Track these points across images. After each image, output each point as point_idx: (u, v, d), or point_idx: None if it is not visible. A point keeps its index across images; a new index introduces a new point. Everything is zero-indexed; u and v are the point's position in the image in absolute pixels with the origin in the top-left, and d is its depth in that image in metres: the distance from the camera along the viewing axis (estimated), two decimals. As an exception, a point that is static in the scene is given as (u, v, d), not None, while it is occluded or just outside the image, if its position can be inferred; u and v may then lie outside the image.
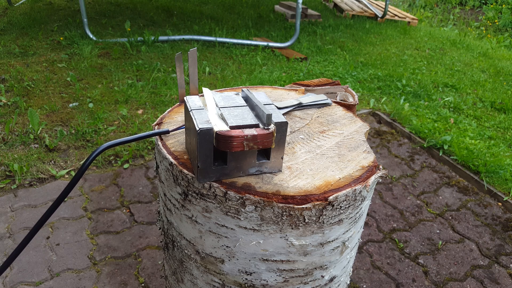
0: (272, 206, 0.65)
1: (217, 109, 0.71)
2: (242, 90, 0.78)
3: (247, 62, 4.06)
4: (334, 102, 1.03)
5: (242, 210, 0.67)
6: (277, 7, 6.27)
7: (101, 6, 5.48)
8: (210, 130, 0.63)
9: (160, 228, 0.93)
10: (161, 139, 0.80)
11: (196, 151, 0.65)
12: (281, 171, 0.73)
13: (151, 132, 0.79)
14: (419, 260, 1.89)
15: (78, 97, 3.06)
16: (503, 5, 7.79)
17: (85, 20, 4.15)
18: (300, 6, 4.41)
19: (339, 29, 5.52)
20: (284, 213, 0.66)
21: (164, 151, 0.76)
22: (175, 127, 0.84)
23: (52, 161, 2.35)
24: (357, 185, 0.70)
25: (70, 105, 2.94)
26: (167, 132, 0.80)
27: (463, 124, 3.13)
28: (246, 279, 0.76)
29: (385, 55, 4.65)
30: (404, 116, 3.15)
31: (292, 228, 0.68)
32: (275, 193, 0.66)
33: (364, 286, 1.75)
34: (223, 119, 0.67)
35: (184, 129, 0.84)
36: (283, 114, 0.93)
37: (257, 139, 0.63)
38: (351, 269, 0.97)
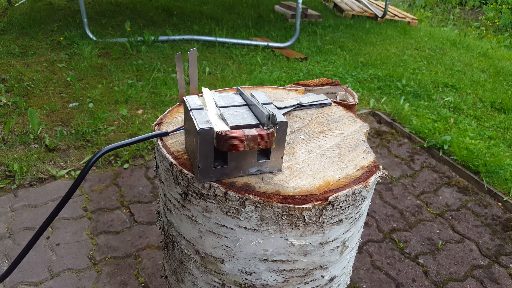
0: (272, 206, 0.65)
1: (216, 109, 0.71)
2: (237, 89, 0.78)
3: (247, 62, 4.06)
4: (334, 102, 1.03)
5: (242, 210, 0.67)
6: (277, 7, 6.27)
7: (101, 6, 5.48)
8: (210, 130, 0.63)
9: (160, 228, 0.93)
10: (161, 139, 0.80)
11: (196, 151, 0.65)
12: (281, 171, 0.73)
13: (150, 134, 0.79)
14: (419, 260, 1.89)
15: (78, 97, 3.06)
16: (503, 5, 7.78)
17: (85, 20, 4.15)
18: (300, 6, 4.41)
19: (339, 29, 5.52)
20: (284, 213, 0.66)
21: (164, 151, 0.76)
22: (175, 127, 0.84)
23: (52, 161, 2.35)
24: (357, 185, 0.70)
25: (70, 105, 2.94)
26: (166, 134, 0.80)
27: (463, 124, 3.13)
28: (246, 279, 0.76)
29: (385, 55, 4.65)
30: (404, 116, 3.15)
31: (292, 228, 0.68)
32: (275, 193, 0.66)
33: (364, 286, 1.75)
34: (223, 119, 0.67)
35: (183, 130, 0.84)
36: (283, 114, 0.93)
37: (257, 139, 0.63)
38: (351, 269, 0.97)
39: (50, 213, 0.74)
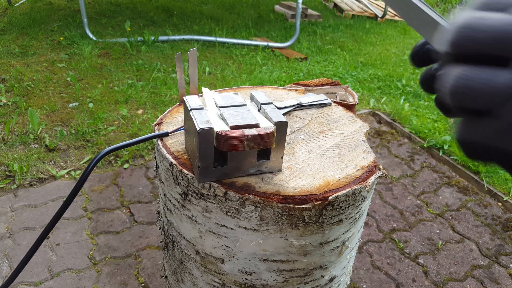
0: (272, 206, 0.65)
1: (216, 109, 0.71)
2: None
3: (247, 62, 4.06)
4: (334, 102, 1.03)
5: (242, 210, 0.67)
6: (277, 7, 6.27)
7: (101, 6, 5.48)
8: (210, 130, 0.63)
9: (160, 228, 0.93)
10: (161, 139, 0.80)
11: (196, 151, 0.65)
12: (281, 171, 0.73)
13: (150, 134, 0.79)
14: (419, 260, 1.89)
15: (78, 97, 3.06)
16: (503, 5, 7.79)
17: (85, 20, 4.15)
18: (300, 6, 4.41)
19: (339, 29, 5.52)
20: (284, 213, 0.66)
21: (164, 151, 0.76)
22: (175, 127, 0.84)
23: (52, 161, 2.35)
24: (357, 185, 0.70)
25: (70, 105, 2.94)
26: (167, 134, 0.80)
27: (463, 124, 3.13)
28: (246, 279, 0.76)
29: (385, 55, 4.65)
30: (404, 116, 3.15)
31: (292, 228, 0.68)
32: (275, 193, 0.66)
33: (364, 286, 1.75)
34: (223, 119, 0.67)
35: (183, 130, 0.84)
36: (283, 114, 0.93)
37: (257, 139, 0.63)
38: (351, 269, 0.98)
39: (52, 216, 0.74)
